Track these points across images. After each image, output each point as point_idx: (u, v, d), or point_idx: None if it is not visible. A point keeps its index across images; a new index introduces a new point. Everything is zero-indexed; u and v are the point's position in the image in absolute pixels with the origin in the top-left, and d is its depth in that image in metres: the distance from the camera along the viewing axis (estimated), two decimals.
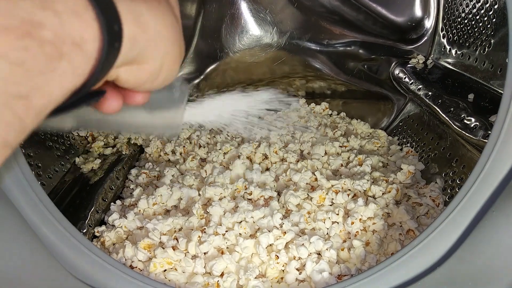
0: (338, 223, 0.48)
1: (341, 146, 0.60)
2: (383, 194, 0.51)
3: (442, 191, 0.51)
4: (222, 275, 0.42)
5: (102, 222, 0.52)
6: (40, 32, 0.16)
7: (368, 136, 0.65)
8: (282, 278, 0.43)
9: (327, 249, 0.44)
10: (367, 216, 0.47)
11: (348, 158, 0.58)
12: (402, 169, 0.54)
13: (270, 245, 0.45)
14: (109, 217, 0.50)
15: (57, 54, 0.16)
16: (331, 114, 0.69)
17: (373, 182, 0.52)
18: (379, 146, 0.61)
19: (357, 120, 0.67)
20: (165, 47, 0.22)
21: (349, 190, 0.51)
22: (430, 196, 0.50)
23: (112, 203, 0.53)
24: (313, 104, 0.69)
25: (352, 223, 0.46)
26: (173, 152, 0.63)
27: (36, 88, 0.16)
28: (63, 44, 0.16)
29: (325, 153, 0.59)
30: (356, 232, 0.46)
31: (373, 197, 0.51)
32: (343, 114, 0.69)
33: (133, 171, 0.60)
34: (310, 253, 0.44)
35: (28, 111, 0.16)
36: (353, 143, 0.61)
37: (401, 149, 0.61)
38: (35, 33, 0.16)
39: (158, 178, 0.58)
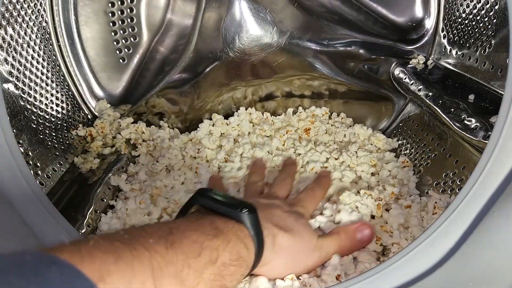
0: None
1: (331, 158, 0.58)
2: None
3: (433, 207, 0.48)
4: None
5: None
6: (244, 256, 0.34)
7: (368, 140, 0.63)
8: None
9: None
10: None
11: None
12: (386, 189, 0.52)
13: None
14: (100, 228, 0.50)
15: (240, 263, 0.33)
16: (331, 116, 0.68)
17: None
18: (374, 164, 0.58)
19: (358, 124, 0.65)
20: (285, 260, 0.39)
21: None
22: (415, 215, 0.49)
23: (103, 214, 0.52)
24: (313, 107, 0.69)
25: None
26: None
27: (230, 280, 0.32)
28: (242, 260, 0.33)
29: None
30: None
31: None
32: (343, 114, 0.68)
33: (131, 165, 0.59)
34: None
35: None
36: (345, 158, 0.58)
37: (397, 156, 0.60)
38: (243, 255, 0.34)
39: None
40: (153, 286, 0.25)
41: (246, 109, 0.68)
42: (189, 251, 0.29)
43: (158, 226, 0.35)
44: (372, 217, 0.50)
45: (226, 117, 0.67)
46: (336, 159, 0.58)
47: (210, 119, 0.67)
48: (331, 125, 0.66)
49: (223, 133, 0.65)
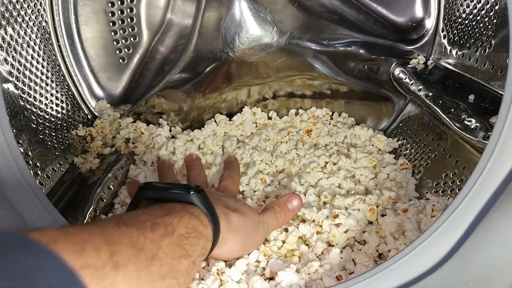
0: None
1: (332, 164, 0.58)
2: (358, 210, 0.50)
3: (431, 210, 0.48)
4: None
5: None
6: (200, 228, 0.34)
7: (369, 141, 0.63)
8: None
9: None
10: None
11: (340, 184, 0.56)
12: (383, 194, 0.52)
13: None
14: None
15: (198, 235, 0.33)
16: (332, 116, 0.68)
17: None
18: (374, 165, 0.58)
19: (358, 125, 0.65)
20: (240, 238, 0.40)
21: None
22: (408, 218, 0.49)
23: (103, 215, 0.52)
24: (313, 108, 0.68)
25: (333, 236, 0.47)
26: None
27: (192, 250, 0.32)
28: (199, 233, 0.33)
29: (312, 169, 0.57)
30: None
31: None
32: (345, 114, 0.68)
33: (132, 167, 0.59)
34: None
35: (191, 262, 0.32)
36: (344, 163, 0.58)
37: (395, 158, 0.59)
38: (200, 229, 0.34)
39: None
40: (108, 251, 0.25)
41: (250, 109, 0.68)
42: (142, 227, 0.29)
43: (109, 217, 0.40)
44: (370, 222, 0.50)
45: (228, 115, 0.67)
46: (334, 164, 0.58)
47: (212, 118, 0.67)
48: (333, 126, 0.66)
49: (227, 133, 0.65)
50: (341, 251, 0.45)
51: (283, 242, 0.46)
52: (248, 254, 0.43)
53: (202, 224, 0.34)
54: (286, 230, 0.47)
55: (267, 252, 0.44)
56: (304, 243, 0.46)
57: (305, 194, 0.52)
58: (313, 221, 0.48)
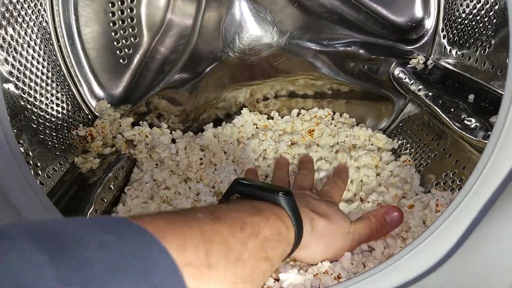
0: None
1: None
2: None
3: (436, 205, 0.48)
4: None
5: None
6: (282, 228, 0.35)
7: (368, 140, 0.63)
8: None
9: None
10: None
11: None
12: (389, 192, 0.52)
13: None
14: None
15: (281, 238, 0.34)
16: (333, 116, 0.68)
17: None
18: (376, 164, 0.58)
19: (357, 126, 0.66)
20: (323, 244, 0.40)
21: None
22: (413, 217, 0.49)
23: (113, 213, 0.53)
24: (315, 109, 0.68)
25: None
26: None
27: (273, 253, 0.32)
28: (282, 235, 0.34)
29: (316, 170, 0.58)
30: None
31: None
32: (346, 115, 0.68)
33: (135, 171, 0.60)
34: None
35: (270, 265, 0.32)
36: (348, 164, 0.58)
37: (398, 156, 0.60)
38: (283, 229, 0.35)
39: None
40: (205, 250, 0.26)
41: (250, 111, 0.68)
42: (232, 225, 0.30)
43: (204, 207, 0.43)
44: None
45: (227, 116, 0.67)
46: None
47: (212, 121, 0.67)
48: (334, 126, 0.66)
49: (228, 135, 0.65)
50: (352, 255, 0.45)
51: None
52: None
53: (285, 226, 0.35)
54: None
55: None
56: None
57: None
58: None
